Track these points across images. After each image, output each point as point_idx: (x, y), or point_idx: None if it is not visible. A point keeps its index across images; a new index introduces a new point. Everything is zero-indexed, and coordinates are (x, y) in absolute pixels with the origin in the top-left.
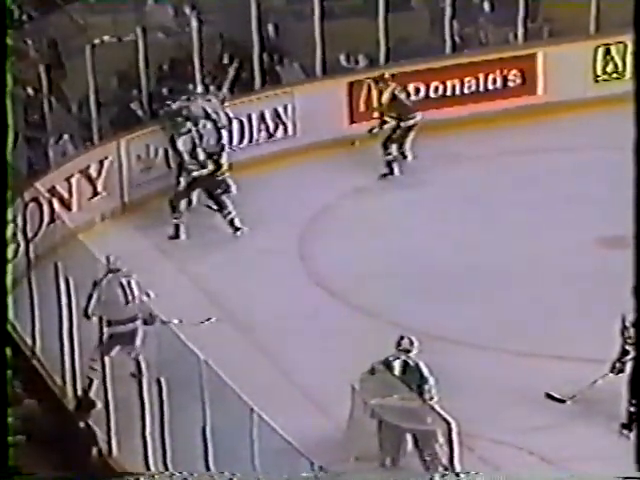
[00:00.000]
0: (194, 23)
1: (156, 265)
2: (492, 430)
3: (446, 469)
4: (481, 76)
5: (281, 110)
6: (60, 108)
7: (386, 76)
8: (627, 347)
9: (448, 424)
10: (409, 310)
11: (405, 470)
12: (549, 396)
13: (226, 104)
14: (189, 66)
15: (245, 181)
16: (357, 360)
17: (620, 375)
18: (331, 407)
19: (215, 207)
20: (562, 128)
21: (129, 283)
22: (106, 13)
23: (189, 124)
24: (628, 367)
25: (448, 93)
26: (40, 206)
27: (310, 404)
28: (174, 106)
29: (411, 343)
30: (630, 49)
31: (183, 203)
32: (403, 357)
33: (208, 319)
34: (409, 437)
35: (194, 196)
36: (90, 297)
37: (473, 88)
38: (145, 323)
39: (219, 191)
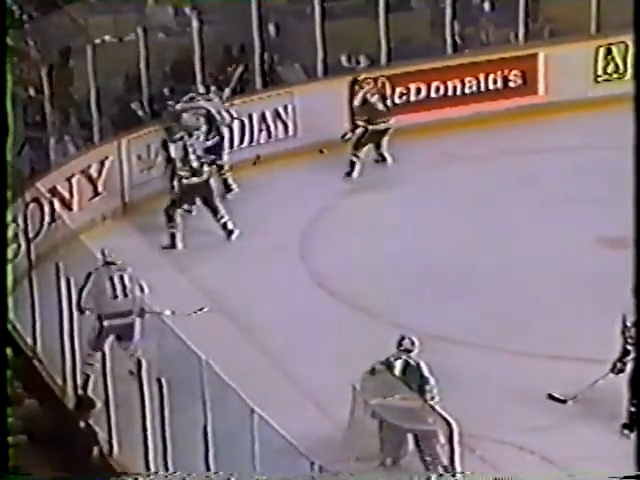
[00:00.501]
0: (195, 23)
1: (156, 265)
2: (493, 430)
3: (446, 469)
4: (482, 76)
5: (282, 110)
6: (61, 108)
7: (361, 78)
8: (628, 347)
9: (449, 424)
10: (409, 310)
11: (405, 470)
12: (551, 396)
13: (227, 104)
14: (190, 66)
15: (245, 181)
16: (357, 360)
17: (621, 375)
18: (331, 407)
19: (190, 210)
20: (563, 128)
21: (121, 277)
22: (107, 13)
23: (182, 132)
24: (629, 367)
25: (449, 93)
26: (41, 206)
27: (310, 404)
28: (178, 107)
29: (412, 343)
30: (631, 49)
31: (178, 212)
32: (404, 357)
33: (200, 309)
34: (410, 437)
35: (192, 205)
36: (81, 290)
37: (474, 88)
38: (139, 316)
39: (216, 195)
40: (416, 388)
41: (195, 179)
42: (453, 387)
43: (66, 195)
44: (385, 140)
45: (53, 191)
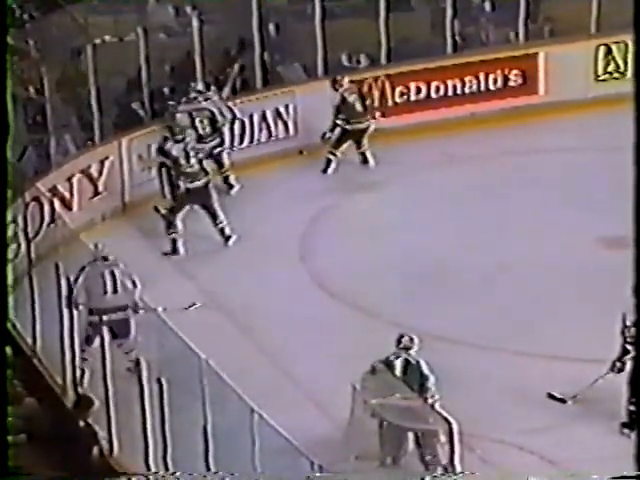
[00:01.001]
0: (195, 23)
1: (156, 265)
2: (493, 430)
3: (446, 469)
4: (482, 76)
5: (282, 110)
6: (61, 108)
7: (338, 78)
8: (627, 346)
9: (449, 424)
10: (409, 310)
11: (405, 470)
12: (551, 396)
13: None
14: (191, 66)
15: (246, 181)
16: (357, 360)
17: (620, 374)
18: (331, 407)
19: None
20: (563, 128)
21: (112, 273)
22: (107, 13)
23: (182, 134)
24: (628, 366)
25: (449, 93)
26: (41, 206)
27: (310, 404)
28: (180, 108)
29: (411, 340)
30: (631, 49)
31: (179, 217)
32: (404, 355)
33: (192, 304)
34: (410, 437)
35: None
36: (74, 284)
37: (474, 88)
38: (134, 312)
39: (215, 200)
40: (417, 387)
41: (195, 184)
42: (453, 387)
43: (66, 195)
44: (365, 140)
45: (53, 191)
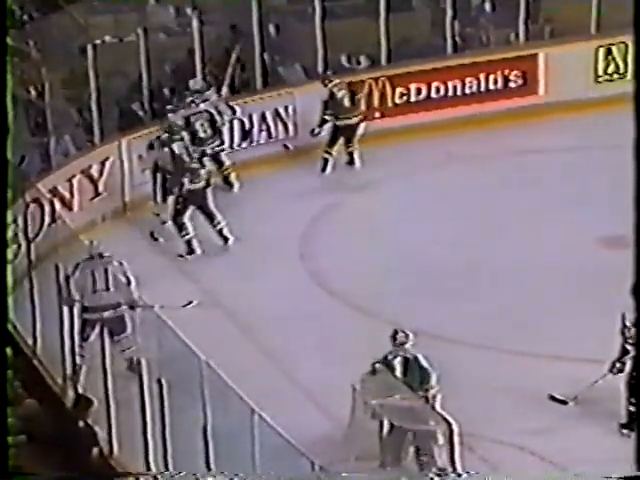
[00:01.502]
0: (195, 24)
1: (156, 265)
2: (493, 430)
3: (440, 470)
4: (482, 76)
5: (282, 110)
6: (61, 108)
7: (327, 74)
8: (627, 346)
9: (449, 424)
10: (409, 310)
11: (406, 470)
12: (552, 398)
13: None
14: (191, 66)
15: (246, 181)
16: (357, 360)
17: (620, 375)
18: (331, 407)
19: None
20: (563, 128)
21: (105, 270)
22: (107, 13)
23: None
24: (628, 366)
25: (449, 93)
26: (41, 206)
27: (310, 404)
28: (181, 113)
29: (406, 336)
30: (631, 49)
31: (186, 217)
32: (401, 353)
33: (189, 302)
34: (411, 437)
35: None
36: (66, 283)
37: (474, 88)
38: (131, 309)
39: (209, 200)
40: (418, 383)
41: (195, 185)
42: (452, 387)
43: (67, 195)
44: (356, 140)
45: (54, 191)
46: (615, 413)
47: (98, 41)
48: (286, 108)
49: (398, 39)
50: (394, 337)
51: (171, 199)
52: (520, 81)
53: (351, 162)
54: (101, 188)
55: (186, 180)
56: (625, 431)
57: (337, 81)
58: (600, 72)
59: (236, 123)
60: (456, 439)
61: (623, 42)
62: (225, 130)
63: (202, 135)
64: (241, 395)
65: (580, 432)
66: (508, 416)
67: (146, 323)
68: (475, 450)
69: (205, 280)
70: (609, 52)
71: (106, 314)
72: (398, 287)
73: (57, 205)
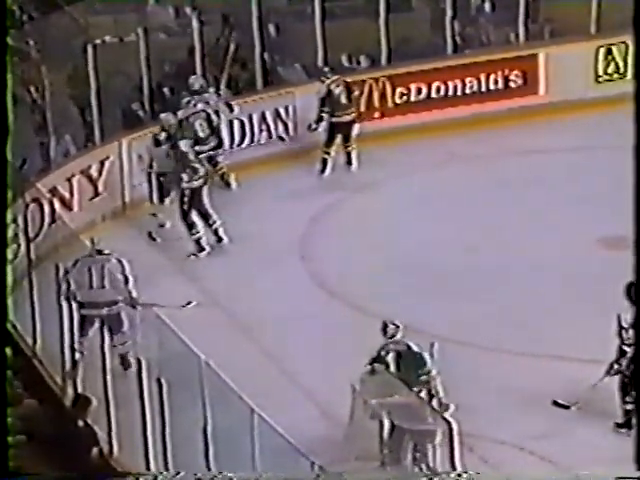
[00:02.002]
0: (195, 24)
1: (156, 265)
2: (492, 430)
3: (429, 469)
4: (482, 76)
5: (282, 110)
6: (62, 108)
7: (325, 70)
8: (624, 348)
9: (449, 424)
10: (409, 310)
11: (406, 470)
12: (555, 403)
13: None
14: (190, 66)
15: (246, 181)
16: (358, 360)
17: (617, 376)
18: (332, 407)
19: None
20: (563, 128)
21: (102, 267)
22: (107, 13)
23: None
24: (625, 368)
25: (450, 93)
26: (41, 206)
27: (311, 404)
28: (179, 114)
29: (397, 327)
30: (631, 49)
31: (194, 215)
32: (393, 347)
33: (188, 303)
34: (409, 436)
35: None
36: (65, 278)
37: (474, 88)
38: (131, 306)
39: (205, 201)
40: (414, 372)
41: (193, 183)
42: (452, 386)
43: (66, 195)
44: (353, 138)
45: (53, 191)
46: (615, 413)
47: (98, 41)
48: (286, 108)
49: (398, 39)
50: (384, 330)
51: (168, 200)
52: (520, 81)
53: (349, 162)
54: (101, 188)
55: (185, 178)
56: (623, 430)
57: (334, 78)
58: (600, 72)
59: (236, 123)
60: (456, 439)
61: (623, 42)
62: (224, 129)
63: (201, 134)
64: (241, 395)
65: (580, 432)
66: (508, 416)
67: (146, 323)
68: (475, 450)
69: (205, 280)
70: (609, 52)
71: (102, 311)
72: (398, 287)
73: (57, 205)
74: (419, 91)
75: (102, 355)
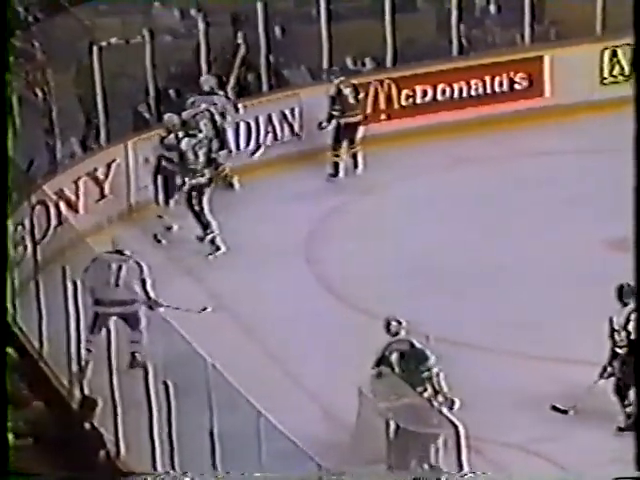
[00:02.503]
0: (201, 25)
1: (162, 267)
2: (498, 433)
3: (431, 467)
4: (488, 78)
5: (288, 112)
6: (67, 110)
7: (333, 69)
8: (617, 350)
9: (455, 427)
10: (415, 312)
11: (412, 472)
12: (554, 408)
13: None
14: (196, 68)
15: (252, 183)
16: (363, 363)
17: (611, 379)
18: (338, 410)
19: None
20: (569, 130)
21: (119, 267)
22: (113, 15)
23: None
24: (617, 370)
25: (455, 96)
26: (47, 209)
27: (317, 407)
28: (184, 115)
29: (399, 323)
30: (631, 50)
31: (209, 215)
32: (396, 347)
33: (204, 309)
34: (416, 438)
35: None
36: (82, 275)
37: (480, 91)
38: (150, 308)
39: (206, 208)
40: (416, 369)
41: (192, 182)
42: (457, 389)
43: (72, 198)
44: (357, 140)
45: (59, 193)
46: (611, 414)
47: (104, 43)
48: (292, 110)
49: (403, 41)
50: (387, 327)
51: (173, 202)
52: (526, 83)
53: (356, 165)
54: (107, 190)
55: (187, 180)
56: (626, 433)
57: (343, 78)
58: (605, 74)
59: (242, 125)
60: (462, 442)
61: (628, 44)
62: (229, 131)
63: (204, 135)
64: (248, 398)
65: (581, 433)
66: (512, 418)
67: (152, 325)
68: (482, 453)
69: (212, 283)
70: (614, 54)
71: (116, 309)
72: (404, 289)
73: (63, 207)
74: (425, 93)
75: (109, 357)
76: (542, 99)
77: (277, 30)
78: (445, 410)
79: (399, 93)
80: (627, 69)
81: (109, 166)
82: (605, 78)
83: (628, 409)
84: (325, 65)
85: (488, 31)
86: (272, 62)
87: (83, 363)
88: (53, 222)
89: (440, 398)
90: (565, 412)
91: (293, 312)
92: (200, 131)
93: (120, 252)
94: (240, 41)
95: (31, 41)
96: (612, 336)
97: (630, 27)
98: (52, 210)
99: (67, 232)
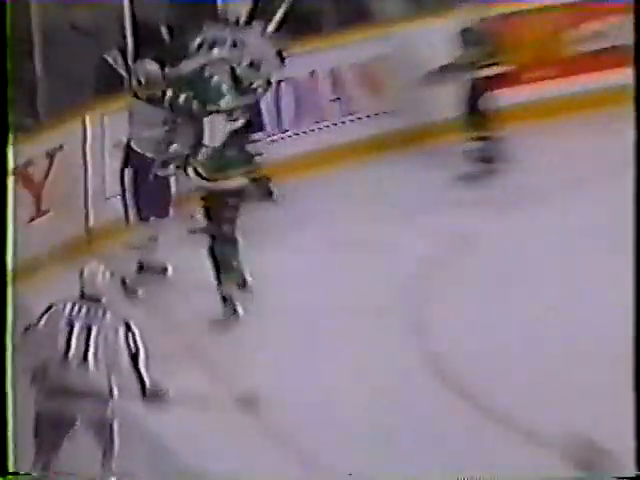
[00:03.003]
0: None
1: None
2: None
3: None
4: None
5: (373, 64)
6: None
7: None
8: None
9: None
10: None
11: None
12: None
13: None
14: None
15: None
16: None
17: None
18: None
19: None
20: None
21: (89, 329)
22: None
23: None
24: None
25: None
26: None
27: None
28: (182, 68)
29: None
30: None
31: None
32: None
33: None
34: None
35: None
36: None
37: None
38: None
39: None
40: None
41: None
42: None
43: None
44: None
45: None
46: None
47: None
48: (378, 60)
49: None
50: None
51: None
52: None
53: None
54: (45, 202)
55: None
56: None
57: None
58: None
59: (288, 87)
60: None
61: None
62: (268, 98)
63: (218, 104)
64: None
65: None
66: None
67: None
68: None
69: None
70: None
71: (83, 406)
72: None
73: None
74: None
75: None
76: None
77: None
78: None
79: None
80: None
81: (51, 158)
82: None
83: None
84: None
85: None
86: None
87: None
88: None
89: None
90: None
91: None
92: (211, 98)
93: (93, 298)
94: None
95: None
96: None
97: None
98: None
99: None
